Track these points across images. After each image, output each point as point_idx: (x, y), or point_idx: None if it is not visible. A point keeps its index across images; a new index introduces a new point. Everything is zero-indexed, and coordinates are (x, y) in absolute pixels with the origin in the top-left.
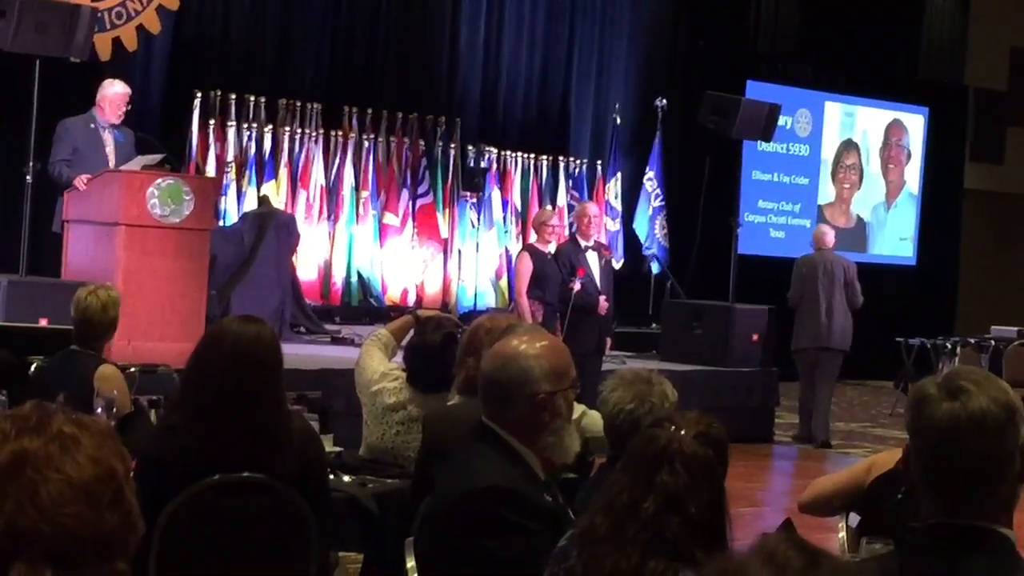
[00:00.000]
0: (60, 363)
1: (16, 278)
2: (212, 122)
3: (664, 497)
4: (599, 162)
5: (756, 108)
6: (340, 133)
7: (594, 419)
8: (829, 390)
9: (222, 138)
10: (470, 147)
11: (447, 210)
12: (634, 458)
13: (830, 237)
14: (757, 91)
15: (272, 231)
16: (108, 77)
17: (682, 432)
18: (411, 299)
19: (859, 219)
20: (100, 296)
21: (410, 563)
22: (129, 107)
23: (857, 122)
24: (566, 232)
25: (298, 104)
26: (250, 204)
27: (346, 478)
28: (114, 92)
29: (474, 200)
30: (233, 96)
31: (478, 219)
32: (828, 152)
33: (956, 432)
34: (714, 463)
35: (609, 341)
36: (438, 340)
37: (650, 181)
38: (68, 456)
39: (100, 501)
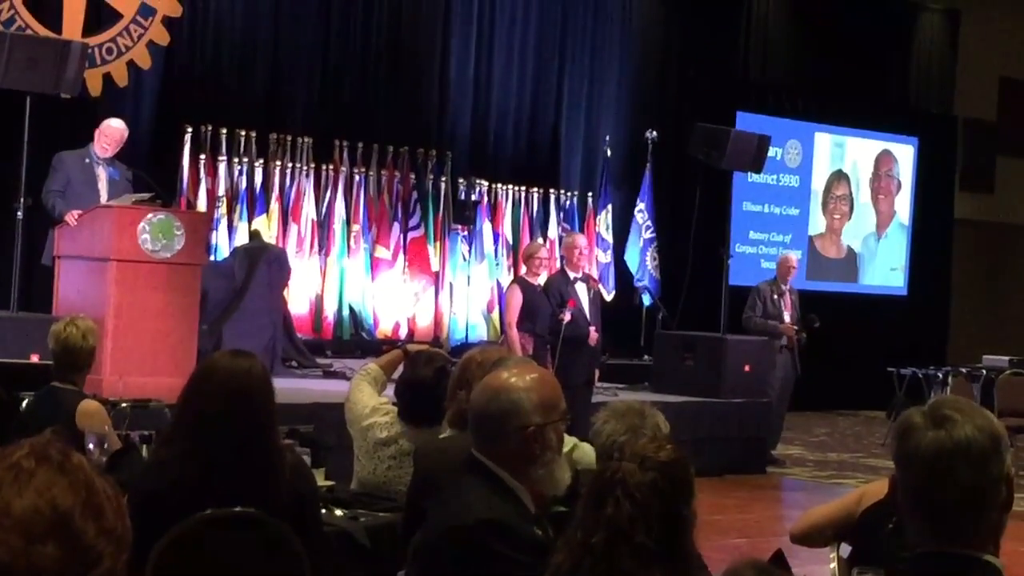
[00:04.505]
0: (43, 401)
1: (7, 314)
2: (203, 157)
3: (611, 530)
4: (590, 194)
5: (746, 139)
6: (331, 167)
7: (585, 451)
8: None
9: (213, 173)
10: (461, 180)
11: (438, 243)
12: (587, 493)
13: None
14: (747, 122)
15: (263, 265)
16: (99, 113)
17: (625, 462)
18: (403, 332)
19: (850, 249)
20: (79, 325)
21: None
22: (122, 147)
23: (847, 152)
24: (557, 264)
25: (289, 138)
26: (241, 238)
27: (338, 512)
28: (106, 125)
29: (465, 233)
30: (224, 131)
31: (469, 252)
32: (818, 183)
33: (942, 460)
34: (661, 488)
35: (597, 372)
36: (430, 375)
37: (641, 213)
38: (15, 488)
39: (32, 534)
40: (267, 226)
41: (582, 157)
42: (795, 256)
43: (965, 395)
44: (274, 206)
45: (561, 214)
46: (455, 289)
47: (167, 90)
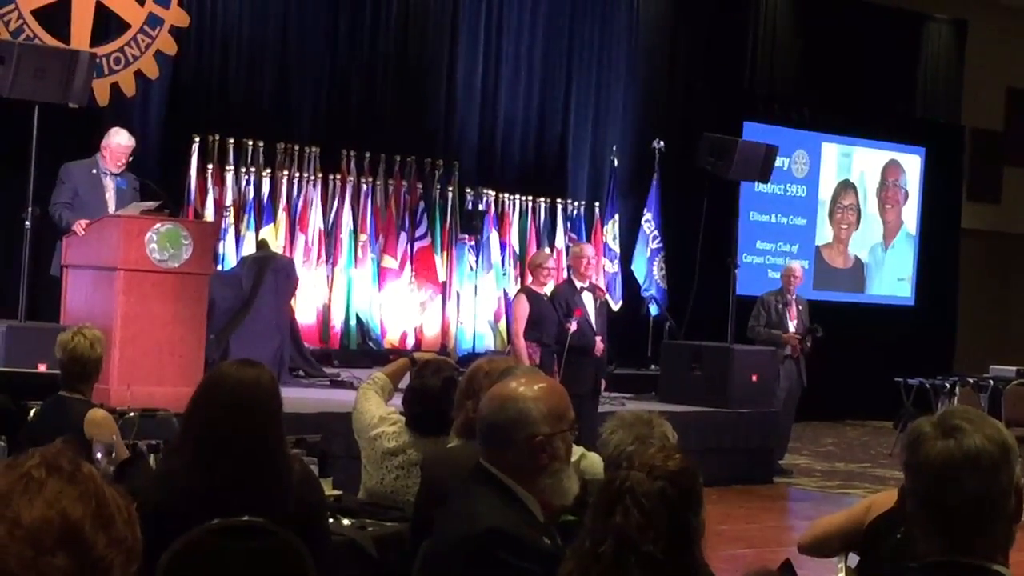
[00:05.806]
0: (50, 410)
1: (15, 323)
2: (210, 166)
3: (619, 539)
4: (597, 204)
5: (753, 149)
6: (338, 177)
7: (593, 461)
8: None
9: (220, 182)
10: (468, 190)
11: (445, 253)
12: (595, 502)
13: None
14: (754, 132)
15: (271, 275)
16: (106, 122)
17: (634, 471)
18: (410, 342)
19: (857, 259)
20: (86, 335)
21: None
22: (131, 159)
23: (854, 163)
24: (563, 274)
25: (296, 148)
26: (248, 248)
27: (345, 521)
28: (116, 143)
29: (472, 243)
30: (231, 140)
31: (476, 261)
32: (825, 193)
33: (951, 470)
34: (670, 497)
35: (603, 382)
36: (438, 384)
37: (648, 223)
38: (25, 498)
39: (42, 545)
40: (274, 236)
41: (589, 167)
42: (799, 266)
43: (972, 405)
44: (281, 216)
45: (568, 224)
46: (462, 299)
47: (174, 100)
